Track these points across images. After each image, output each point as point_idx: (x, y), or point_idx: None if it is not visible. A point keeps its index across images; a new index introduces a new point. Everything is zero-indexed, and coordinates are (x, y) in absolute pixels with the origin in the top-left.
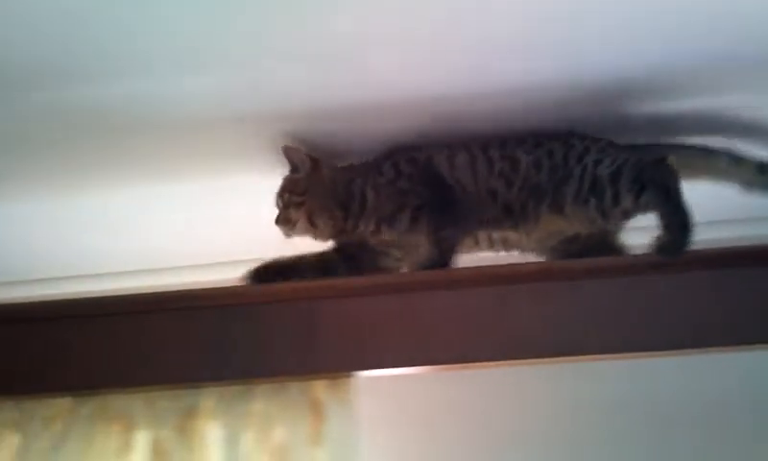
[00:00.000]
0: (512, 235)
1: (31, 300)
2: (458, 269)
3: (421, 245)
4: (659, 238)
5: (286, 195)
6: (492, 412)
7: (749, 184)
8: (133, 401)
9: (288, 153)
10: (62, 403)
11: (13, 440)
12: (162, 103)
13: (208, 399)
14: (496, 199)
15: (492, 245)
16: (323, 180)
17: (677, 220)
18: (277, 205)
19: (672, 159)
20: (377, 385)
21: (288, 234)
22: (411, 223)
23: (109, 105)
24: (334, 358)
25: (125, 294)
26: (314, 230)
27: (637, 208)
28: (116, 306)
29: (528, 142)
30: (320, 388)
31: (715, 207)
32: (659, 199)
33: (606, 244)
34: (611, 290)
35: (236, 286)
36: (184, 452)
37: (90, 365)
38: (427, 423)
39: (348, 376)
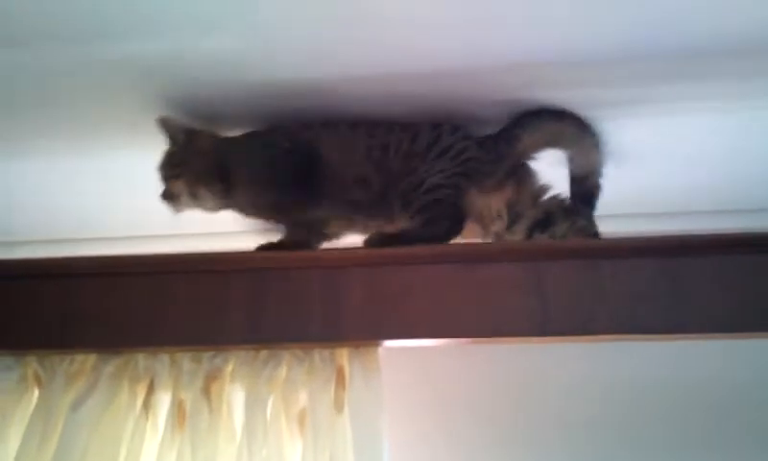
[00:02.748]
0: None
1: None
2: (489, 243)
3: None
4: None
5: (165, 169)
6: (516, 387)
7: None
8: (157, 362)
9: (163, 124)
10: (86, 361)
11: (35, 394)
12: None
13: (232, 362)
14: (370, 186)
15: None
16: (200, 150)
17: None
18: (160, 180)
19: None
20: (402, 355)
21: (176, 209)
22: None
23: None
24: (360, 327)
25: (154, 254)
26: (197, 201)
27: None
28: (144, 265)
29: (409, 130)
30: (344, 356)
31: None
32: (419, 225)
33: None
34: (651, 269)
35: (265, 252)
36: (207, 415)
37: (115, 324)
38: (451, 395)
39: (374, 345)
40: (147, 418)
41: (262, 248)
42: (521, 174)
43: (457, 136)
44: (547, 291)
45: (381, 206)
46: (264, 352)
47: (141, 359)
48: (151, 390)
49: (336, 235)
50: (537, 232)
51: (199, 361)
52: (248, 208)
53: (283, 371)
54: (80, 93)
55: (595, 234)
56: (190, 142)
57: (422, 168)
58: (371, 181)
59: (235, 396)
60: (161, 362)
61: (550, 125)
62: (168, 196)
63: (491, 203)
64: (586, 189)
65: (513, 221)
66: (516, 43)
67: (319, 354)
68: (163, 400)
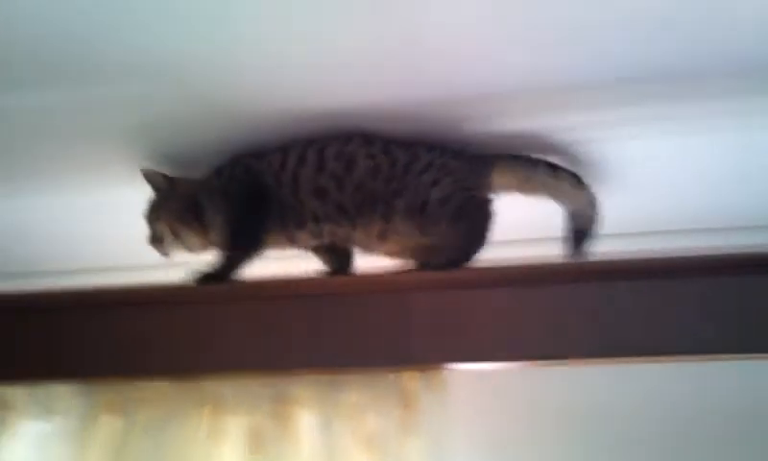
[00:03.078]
0: (347, 232)
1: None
2: (555, 264)
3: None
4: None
5: (149, 214)
6: (582, 409)
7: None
8: (226, 387)
9: (146, 175)
10: (157, 387)
11: (107, 420)
12: None
13: (301, 387)
14: (327, 198)
15: (316, 238)
16: (179, 194)
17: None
18: (147, 226)
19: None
20: (470, 378)
21: (163, 252)
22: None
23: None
24: (426, 351)
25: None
26: (181, 243)
27: (450, 234)
28: (211, 295)
29: (375, 145)
30: (412, 379)
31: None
32: (462, 233)
33: None
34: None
35: (332, 277)
36: (278, 438)
37: (183, 351)
38: (518, 417)
39: (440, 368)
40: (216, 442)
41: (325, 273)
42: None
43: (434, 153)
44: (614, 312)
45: (354, 216)
46: (331, 377)
47: (209, 385)
48: (220, 414)
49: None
50: None
51: (267, 386)
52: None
53: (351, 395)
54: (78, 132)
55: None
56: (171, 188)
57: (410, 186)
58: (330, 194)
59: (305, 419)
60: (230, 387)
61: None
62: (153, 239)
63: None
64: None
65: None
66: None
67: (385, 378)
68: (232, 424)
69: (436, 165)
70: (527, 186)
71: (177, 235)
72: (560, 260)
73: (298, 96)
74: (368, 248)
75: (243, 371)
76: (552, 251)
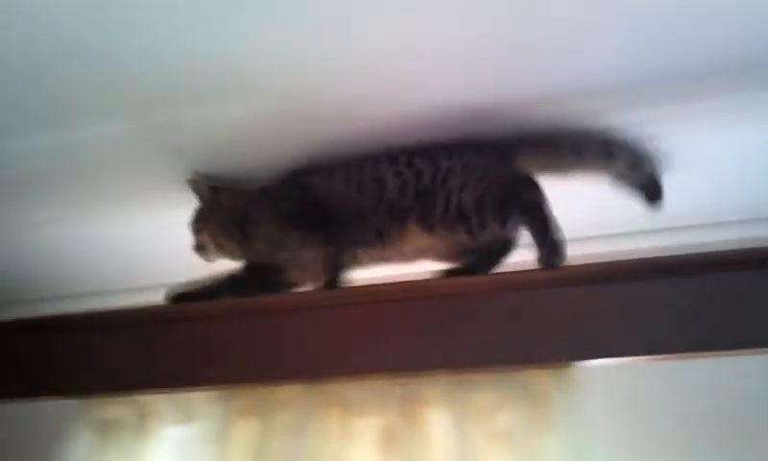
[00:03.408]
0: (384, 253)
1: None
2: (680, 256)
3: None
4: (538, 256)
5: (194, 223)
6: (717, 404)
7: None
8: (358, 389)
9: (191, 184)
10: (293, 390)
11: (248, 423)
12: None
13: (431, 387)
14: (365, 220)
15: (372, 261)
16: (223, 205)
17: (545, 236)
18: (191, 233)
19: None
20: (602, 374)
21: (207, 259)
22: (300, 243)
23: None
24: (556, 348)
25: (352, 285)
26: (223, 251)
27: (506, 230)
28: (341, 299)
29: (399, 162)
30: (543, 377)
31: None
32: (524, 221)
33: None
34: None
35: (461, 278)
36: (409, 438)
37: (319, 355)
38: (654, 413)
39: (571, 366)
40: (348, 443)
41: (448, 273)
42: None
43: (453, 158)
44: (743, 304)
45: (392, 236)
46: (461, 377)
47: (341, 387)
48: (351, 416)
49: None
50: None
51: (397, 386)
52: (265, 256)
53: (481, 394)
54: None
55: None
56: (215, 198)
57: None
58: (369, 213)
59: (435, 419)
60: (360, 389)
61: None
62: (197, 248)
63: None
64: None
65: None
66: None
67: (518, 376)
68: (363, 426)
69: (457, 168)
70: (552, 168)
71: (219, 244)
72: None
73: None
74: (402, 261)
75: (374, 373)
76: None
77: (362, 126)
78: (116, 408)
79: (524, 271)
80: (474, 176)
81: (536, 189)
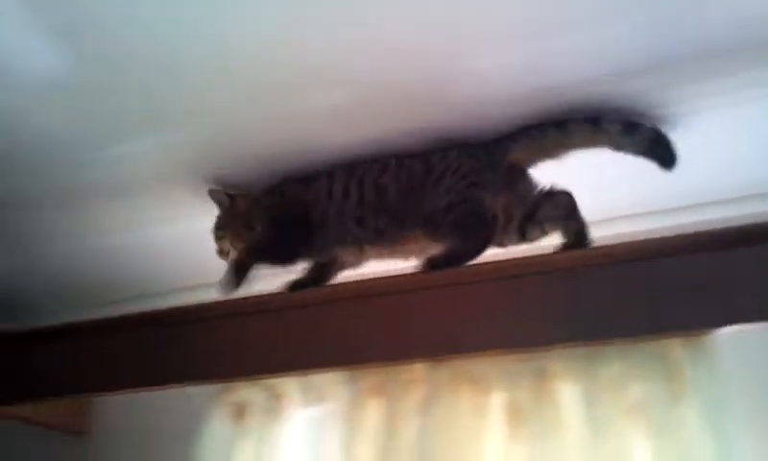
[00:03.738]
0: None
1: None
2: None
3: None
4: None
5: (215, 231)
6: None
7: (615, 147)
8: (487, 365)
9: (211, 194)
10: (420, 369)
11: (380, 405)
12: None
13: (560, 360)
14: (364, 224)
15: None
16: (238, 211)
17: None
18: (214, 240)
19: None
20: (739, 341)
21: (224, 257)
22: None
23: None
24: (685, 315)
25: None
26: (226, 249)
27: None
28: (471, 276)
29: (391, 165)
30: (676, 346)
31: None
32: (459, 244)
33: None
34: None
35: (586, 250)
36: (540, 413)
37: (443, 333)
38: None
39: (705, 333)
40: (484, 419)
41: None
42: (515, 178)
43: (449, 158)
44: None
45: (388, 236)
46: (591, 349)
47: (470, 364)
48: (483, 392)
49: (353, 265)
50: (527, 226)
51: (525, 361)
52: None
53: (612, 366)
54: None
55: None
56: (232, 205)
57: (427, 196)
58: (367, 219)
59: (566, 393)
60: (489, 365)
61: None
62: (220, 253)
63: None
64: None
65: (507, 221)
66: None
67: (649, 346)
68: (493, 402)
69: (450, 171)
70: (546, 153)
71: (237, 249)
72: None
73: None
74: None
75: (502, 349)
76: None
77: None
78: (249, 392)
79: (648, 239)
80: (460, 181)
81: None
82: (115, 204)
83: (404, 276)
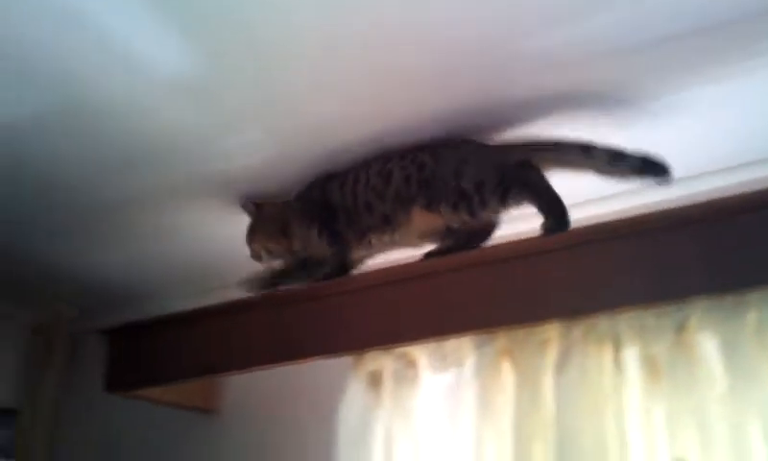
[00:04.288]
0: (393, 237)
1: None
2: None
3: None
4: (543, 224)
5: (246, 238)
6: None
7: (602, 173)
8: (621, 321)
9: (241, 205)
10: (553, 329)
11: (514, 367)
12: None
13: (698, 312)
14: (373, 211)
15: (382, 247)
16: (265, 217)
17: (549, 205)
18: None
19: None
20: None
21: (262, 264)
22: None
23: None
24: None
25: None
26: (272, 255)
27: (506, 206)
28: (600, 233)
29: (406, 157)
30: None
31: None
32: (524, 194)
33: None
34: None
35: (715, 199)
36: (679, 367)
37: (578, 291)
38: None
39: None
40: (620, 376)
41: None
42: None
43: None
44: None
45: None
46: (729, 299)
47: (603, 321)
48: (619, 349)
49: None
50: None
51: (663, 316)
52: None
53: (755, 313)
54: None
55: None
56: (260, 213)
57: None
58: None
59: (708, 345)
60: (626, 321)
61: None
62: (252, 256)
63: None
64: None
65: None
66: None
67: None
68: (633, 357)
69: (457, 159)
70: (556, 167)
71: (268, 250)
72: None
73: None
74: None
75: (637, 305)
76: None
77: None
78: (383, 361)
79: None
80: (474, 166)
81: (532, 169)
82: (229, 192)
83: (532, 239)
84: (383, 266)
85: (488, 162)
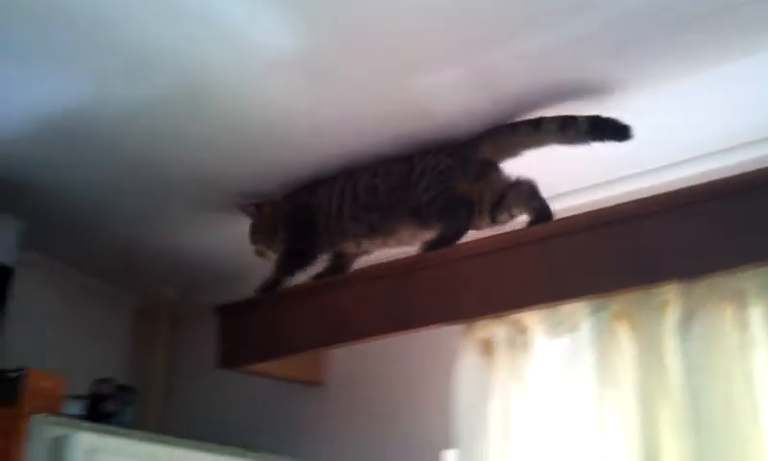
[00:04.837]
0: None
1: None
2: None
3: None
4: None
5: (250, 238)
6: None
7: (558, 143)
8: (745, 279)
9: (239, 208)
10: (671, 290)
11: (630, 330)
12: None
13: None
14: (360, 221)
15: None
16: (266, 217)
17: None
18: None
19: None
20: None
21: (267, 259)
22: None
23: None
24: None
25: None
26: (276, 253)
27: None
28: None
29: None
30: None
31: None
32: (445, 228)
33: None
34: None
35: None
36: None
37: (699, 252)
38: None
39: None
40: (746, 333)
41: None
42: (486, 171)
43: (428, 159)
44: None
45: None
46: None
47: (727, 279)
48: (743, 306)
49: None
50: (496, 213)
51: None
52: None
53: None
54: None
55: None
56: (260, 213)
57: (411, 194)
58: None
59: None
60: (750, 278)
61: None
62: (257, 254)
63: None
64: None
65: (479, 211)
66: None
67: None
68: (759, 315)
69: (428, 170)
70: (516, 148)
71: (273, 249)
72: None
73: None
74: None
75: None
76: None
77: None
78: (496, 328)
79: None
80: (435, 178)
81: (458, 199)
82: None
83: (642, 200)
84: (493, 233)
85: (443, 176)
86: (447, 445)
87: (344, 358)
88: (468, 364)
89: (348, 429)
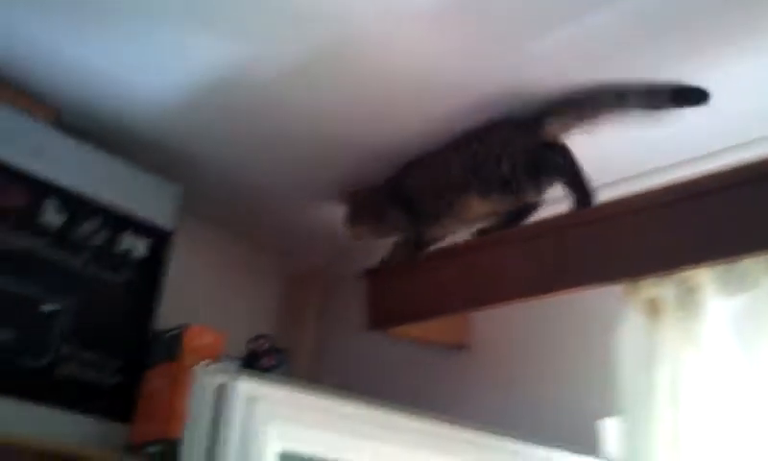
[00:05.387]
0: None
1: None
2: None
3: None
4: (571, 199)
5: (347, 223)
6: None
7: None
8: None
9: (340, 198)
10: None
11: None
12: None
13: None
14: (442, 197)
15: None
16: (361, 203)
17: (575, 183)
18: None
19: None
20: None
21: (362, 241)
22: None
23: None
24: None
25: None
26: (374, 235)
27: (541, 188)
28: None
29: (459, 146)
30: None
31: None
32: (554, 176)
33: None
34: None
35: None
36: None
37: None
38: None
39: None
40: None
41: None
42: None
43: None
44: None
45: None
46: None
47: None
48: None
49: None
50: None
51: None
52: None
53: None
54: None
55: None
56: (354, 200)
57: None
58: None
59: None
60: None
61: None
62: (355, 237)
63: None
64: None
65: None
66: None
67: None
68: None
69: (495, 144)
70: (584, 123)
71: (371, 232)
72: None
73: None
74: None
75: None
76: None
77: None
78: (663, 287)
79: None
80: (508, 149)
81: (559, 149)
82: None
83: None
84: (658, 185)
85: (519, 145)
86: (604, 413)
87: (489, 321)
88: (631, 327)
89: (495, 395)
